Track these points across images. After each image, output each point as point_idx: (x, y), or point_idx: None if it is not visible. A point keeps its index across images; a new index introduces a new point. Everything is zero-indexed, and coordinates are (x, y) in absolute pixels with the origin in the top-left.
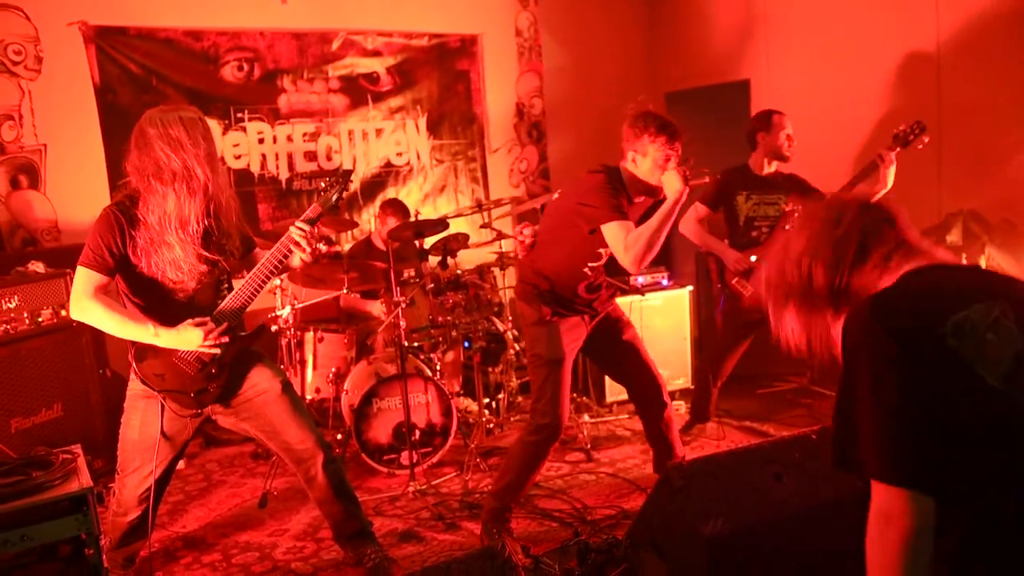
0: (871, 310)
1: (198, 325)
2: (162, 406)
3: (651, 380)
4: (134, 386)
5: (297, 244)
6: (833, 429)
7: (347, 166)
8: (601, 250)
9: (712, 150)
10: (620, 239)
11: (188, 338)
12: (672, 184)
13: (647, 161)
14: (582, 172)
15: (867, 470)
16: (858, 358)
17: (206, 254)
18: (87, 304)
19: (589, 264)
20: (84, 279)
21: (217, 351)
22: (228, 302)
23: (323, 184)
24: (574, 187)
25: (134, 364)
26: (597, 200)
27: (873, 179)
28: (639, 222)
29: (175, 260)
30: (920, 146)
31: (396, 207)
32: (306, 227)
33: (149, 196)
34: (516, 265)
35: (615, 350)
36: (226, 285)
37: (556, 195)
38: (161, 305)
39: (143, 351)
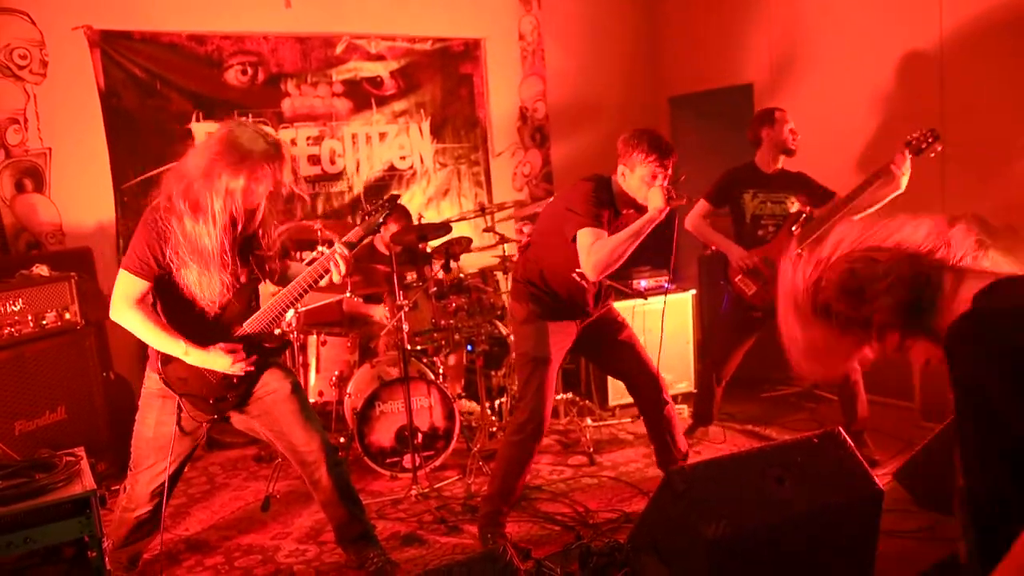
0: (978, 335)
1: (229, 352)
2: (179, 407)
3: (650, 378)
4: (150, 384)
5: (337, 265)
6: (965, 473)
7: (350, 170)
8: None
9: (715, 154)
10: (587, 244)
11: (217, 362)
12: (654, 201)
13: (635, 177)
14: (585, 176)
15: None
16: (980, 383)
17: (235, 276)
18: (127, 312)
19: (577, 270)
20: (127, 285)
21: (242, 374)
22: (258, 320)
23: (368, 208)
24: (565, 193)
25: (159, 366)
26: (580, 207)
27: (885, 181)
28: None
29: (202, 277)
30: (932, 155)
31: (397, 211)
32: (347, 251)
33: (180, 212)
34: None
35: (612, 350)
36: (257, 299)
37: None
38: (190, 313)
39: (170, 356)
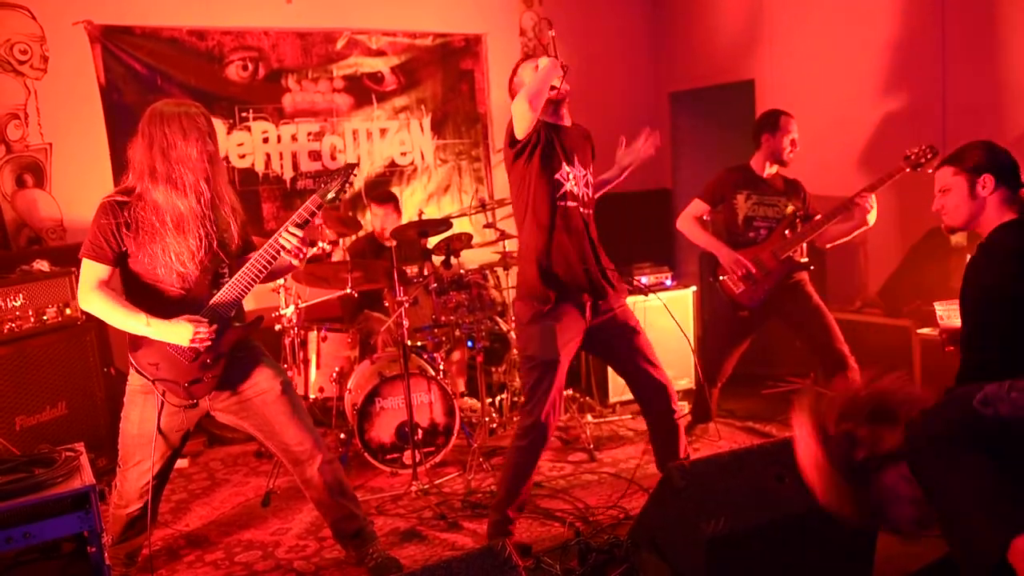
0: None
1: (191, 321)
2: (162, 401)
3: (659, 388)
4: (133, 380)
5: (284, 249)
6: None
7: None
8: (561, 172)
9: (716, 150)
10: (520, 98)
11: (179, 332)
12: (542, 62)
13: (531, 66)
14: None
15: None
16: None
17: (201, 251)
18: (90, 295)
19: (558, 200)
20: (86, 271)
21: (207, 344)
22: (221, 295)
23: (325, 177)
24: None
25: (129, 353)
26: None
27: (849, 215)
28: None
29: (170, 256)
30: (931, 170)
31: (378, 197)
32: (298, 232)
33: (146, 192)
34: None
35: (623, 355)
36: (224, 279)
37: None
38: (156, 297)
39: (138, 340)
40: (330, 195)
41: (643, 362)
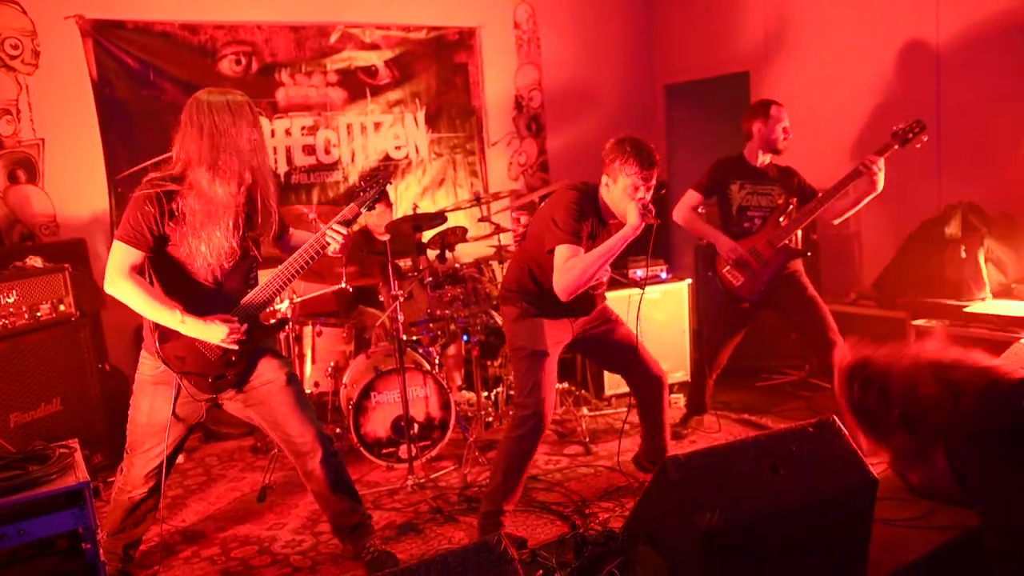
0: None
1: (225, 322)
2: (177, 388)
3: (648, 373)
4: (144, 370)
5: (334, 239)
6: None
7: (345, 160)
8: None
9: (711, 142)
10: (560, 262)
11: (213, 332)
12: (630, 216)
13: (617, 188)
14: (581, 165)
15: None
16: None
17: (240, 243)
18: (121, 282)
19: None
20: (121, 255)
21: (236, 347)
22: (255, 295)
23: (362, 183)
24: (553, 199)
25: (157, 344)
26: (561, 219)
27: (860, 182)
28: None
29: (211, 246)
30: (919, 145)
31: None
32: (343, 229)
33: (196, 181)
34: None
35: (610, 350)
36: (254, 273)
37: (554, 187)
38: (189, 288)
39: (167, 333)
40: (367, 204)
41: (631, 353)
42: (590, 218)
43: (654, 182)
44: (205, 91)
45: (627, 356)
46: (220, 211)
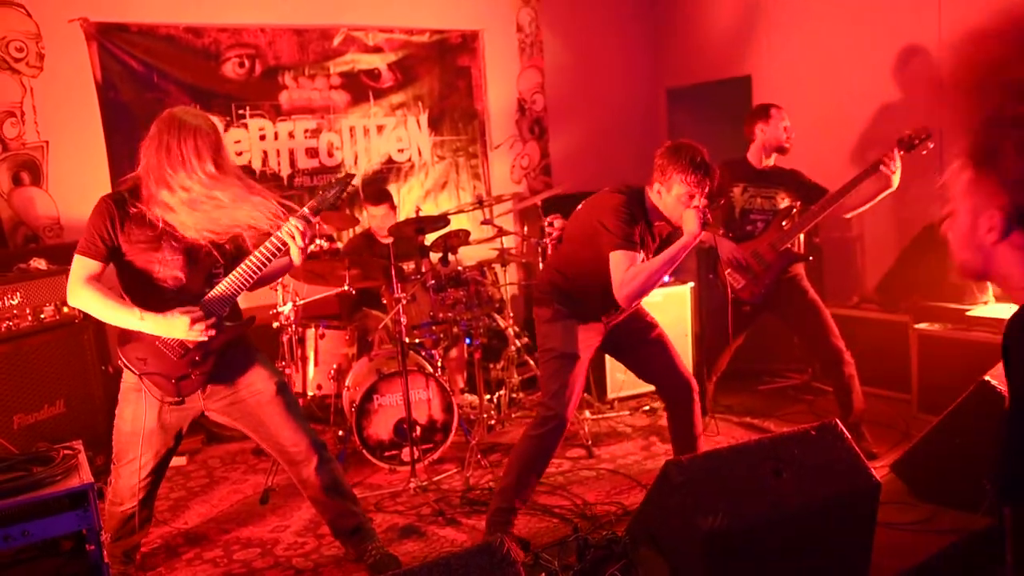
0: None
1: (186, 313)
2: (158, 401)
3: (680, 381)
4: (127, 378)
5: (292, 237)
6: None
7: (348, 162)
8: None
9: (713, 146)
10: (620, 271)
11: (174, 324)
12: (689, 224)
13: (671, 196)
14: (584, 168)
15: None
16: None
17: (195, 250)
18: (79, 290)
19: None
20: (77, 266)
21: (203, 338)
22: (217, 291)
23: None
24: (595, 202)
25: (118, 348)
26: (612, 224)
27: (876, 178)
28: (658, 249)
29: (164, 255)
30: (924, 152)
31: (372, 197)
32: (301, 224)
33: (149, 194)
34: (529, 258)
35: (641, 352)
36: (219, 274)
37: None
38: (151, 293)
39: (127, 334)
40: (328, 204)
41: (661, 356)
42: (640, 221)
43: (708, 189)
44: (180, 109)
45: (658, 361)
46: (169, 229)
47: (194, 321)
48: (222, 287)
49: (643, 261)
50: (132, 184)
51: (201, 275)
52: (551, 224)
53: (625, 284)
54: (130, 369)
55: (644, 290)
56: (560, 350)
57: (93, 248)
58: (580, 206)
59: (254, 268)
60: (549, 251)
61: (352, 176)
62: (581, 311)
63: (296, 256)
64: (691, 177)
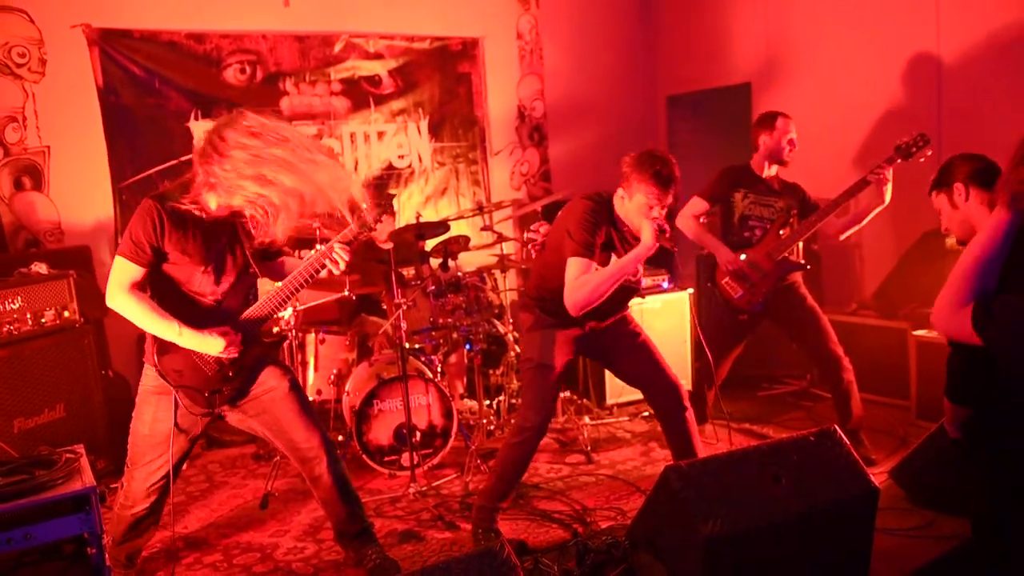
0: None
1: (222, 335)
2: (176, 402)
3: (667, 386)
4: (147, 381)
5: (335, 262)
6: None
7: (348, 167)
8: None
9: (712, 153)
10: (571, 277)
11: (210, 344)
12: (645, 234)
13: (632, 204)
14: (583, 175)
15: None
16: None
17: (236, 263)
18: (122, 297)
19: None
20: (120, 270)
21: (235, 356)
22: (255, 310)
23: (364, 205)
24: (566, 209)
25: (155, 357)
26: (574, 230)
27: (871, 191)
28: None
29: (209, 266)
30: (922, 159)
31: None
32: (345, 253)
33: (201, 199)
34: (528, 264)
35: (626, 358)
36: (255, 291)
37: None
38: (189, 305)
39: (165, 346)
40: (367, 226)
41: (646, 361)
42: (603, 227)
43: (670, 201)
44: (235, 118)
45: (643, 367)
46: (216, 231)
47: (230, 343)
48: (260, 305)
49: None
50: (185, 186)
51: (241, 292)
52: (536, 230)
53: (574, 291)
54: (166, 380)
55: (591, 299)
56: (537, 360)
57: (138, 254)
58: (559, 214)
59: (292, 289)
60: (533, 256)
61: (393, 196)
62: (562, 318)
63: (336, 272)
64: (652, 188)
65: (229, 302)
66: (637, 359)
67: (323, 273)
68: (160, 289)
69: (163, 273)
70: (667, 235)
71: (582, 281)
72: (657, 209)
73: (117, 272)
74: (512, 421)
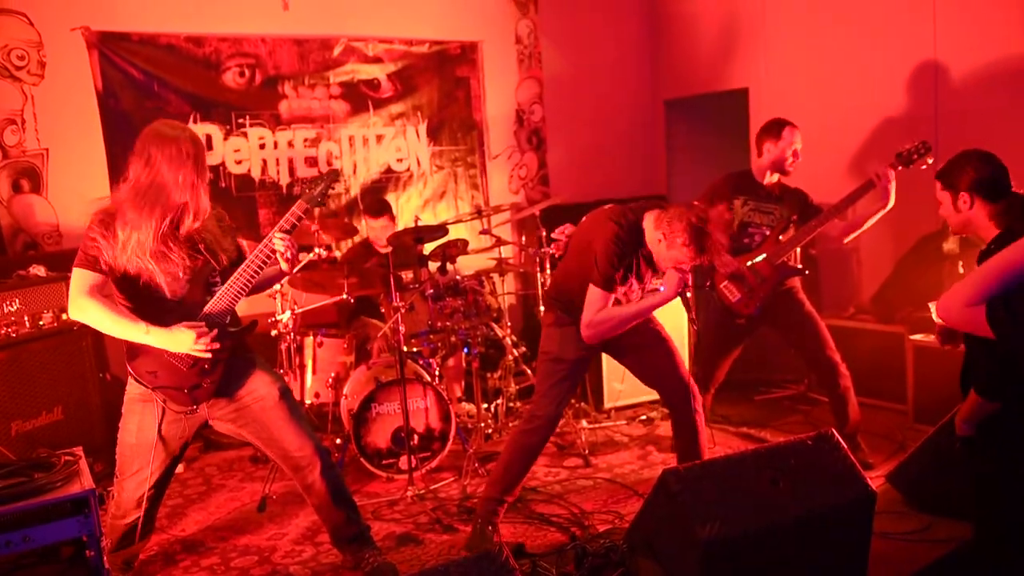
0: None
1: (191, 328)
2: (163, 409)
3: (680, 386)
4: (131, 390)
5: (275, 253)
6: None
7: (347, 172)
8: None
9: (710, 158)
10: (591, 311)
11: (180, 339)
12: (669, 284)
13: (666, 252)
14: (582, 179)
15: None
16: None
17: (186, 262)
18: (83, 303)
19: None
20: (78, 279)
21: (208, 354)
22: (214, 303)
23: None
24: (593, 222)
25: (127, 362)
26: (601, 259)
27: (873, 196)
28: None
29: (157, 269)
30: (924, 167)
31: (371, 209)
32: (285, 237)
33: (130, 212)
34: (527, 268)
35: (643, 355)
36: (216, 287)
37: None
38: (151, 305)
39: (135, 349)
40: (315, 200)
41: (662, 361)
42: (629, 256)
43: (699, 263)
44: (160, 123)
45: (657, 364)
46: (156, 241)
47: (199, 335)
48: (220, 298)
49: (627, 291)
50: (118, 199)
51: (199, 285)
52: (561, 233)
53: (592, 325)
54: (141, 383)
55: (606, 335)
56: (555, 354)
57: (91, 261)
58: (584, 219)
59: (247, 278)
60: (556, 255)
61: (338, 171)
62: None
63: (284, 266)
64: (691, 252)
65: (190, 297)
66: (653, 356)
67: (281, 265)
68: (123, 292)
69: (121, 277)
70: (688, 286)
71: (603, 316)
72: (686, 266)
73: (75, 281)
74: (511, 424)
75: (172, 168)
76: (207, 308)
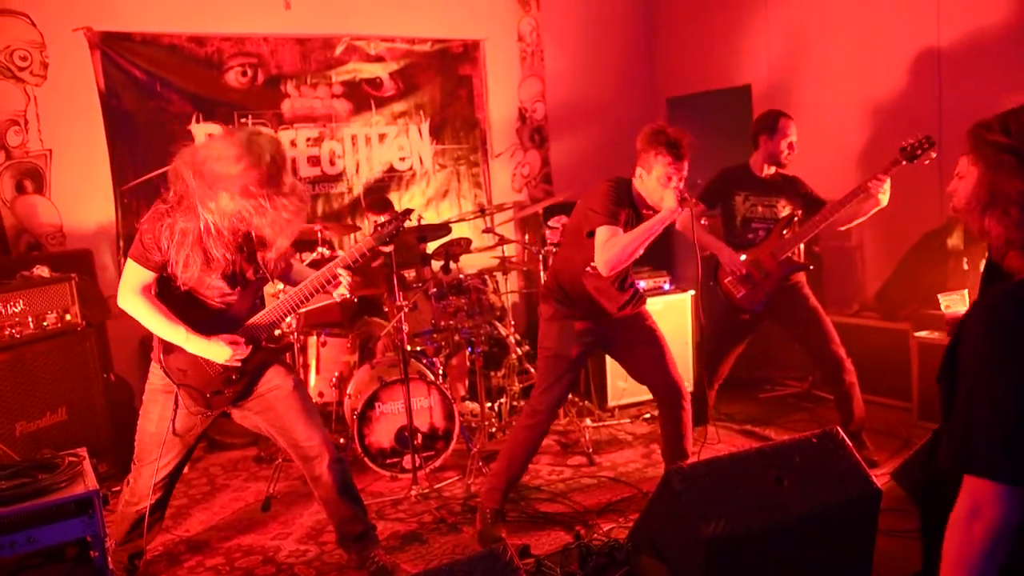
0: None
1: (230, 343)
2: (177, 402)
3: (668, 384)
4: (154, 380)
5: (335, 286)
6: (952, 426)
7: (350, 171)
8: None
9: (713, 155)
10: (602, 241)
11: (217, 351)
12: (667, 201)
13: (651, 178)
14: (584, 177)
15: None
16: (984, 347)
17: (244, 273)
18: (132, 299)
19: (591, 264)
20: (132, 273)
21: (238, 365)
22: (260, 317)
23: (381, 219)
24: (588, 192)
25: (161, 355)
26: (598, 205)
27: (865, 197)
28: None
29: (208, 271)
30: (927, 161)
31: (374, 206)
32: (345, 273)
33: (189, 208)
34: (530, 266)
35: (635, 354)
36: (260, 299)
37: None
38: (196, 307)
39: (171, 345)
40: (383, 240)
41: (655, 359)
42: (626, 206)
43: (686, 172)
44: (225, 135)
45: (651, 362)
46: (214, 241)
47: (236, 352)
48: (266, 313)
49: None
50: (174, 199)
51: (249, 296)
52: (558, 221)
53: (604, 251)
54: (169, 377)
55: (622, 258)
56: (553, 350)
57: (147, 258)
58: (577, 203)
59: (300, 299)
60: (553, 244)
61: (410, 211)
62: (578, 311)
63: (336, 296)
64: (667, 158)
65: (237, 307)
66: (645, 354)
67: (334, 295)
68: (169, 291)
69: (170, 276)
70: (689, 201)
71: (612, 242)
72: (676, 179)
73: (128, 274)
74: (514, 423)
75: (240, 171)
76: (252, 320)
